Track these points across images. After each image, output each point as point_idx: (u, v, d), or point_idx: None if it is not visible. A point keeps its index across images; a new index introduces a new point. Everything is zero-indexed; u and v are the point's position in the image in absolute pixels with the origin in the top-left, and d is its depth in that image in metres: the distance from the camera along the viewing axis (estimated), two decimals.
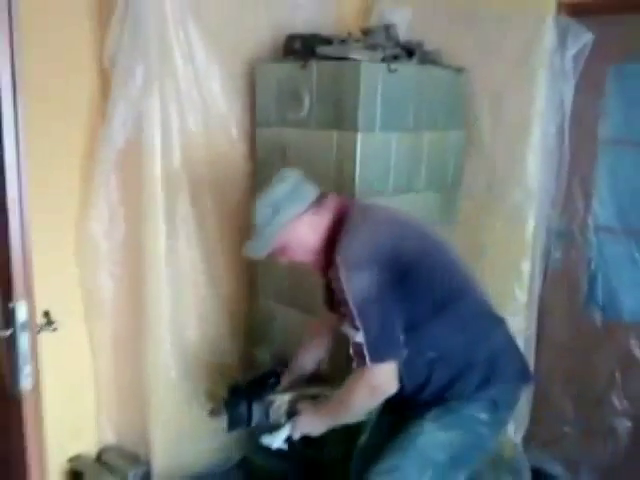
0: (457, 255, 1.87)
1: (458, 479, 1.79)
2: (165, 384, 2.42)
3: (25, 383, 1.38)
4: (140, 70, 2.17)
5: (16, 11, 1.25)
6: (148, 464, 2.47)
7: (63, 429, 2.38)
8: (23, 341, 1.36)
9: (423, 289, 1.70)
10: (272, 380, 2.08)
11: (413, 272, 1.67)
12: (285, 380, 2.07)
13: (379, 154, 2.21)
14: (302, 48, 2.31)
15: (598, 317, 2.58)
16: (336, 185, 2.20)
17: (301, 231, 1.74)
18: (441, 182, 2.54)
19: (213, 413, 2.21)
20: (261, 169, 2.48)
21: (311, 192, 1.77)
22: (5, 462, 1.57)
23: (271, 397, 2.00)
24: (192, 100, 2.31)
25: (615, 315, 2.54)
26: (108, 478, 2.38)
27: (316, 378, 2.09)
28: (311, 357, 2.09)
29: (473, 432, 1.73)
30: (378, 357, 1.61)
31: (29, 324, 1.36)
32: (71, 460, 2.46)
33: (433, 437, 1.71)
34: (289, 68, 2.29)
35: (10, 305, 1.35)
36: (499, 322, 1.84)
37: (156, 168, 2.24)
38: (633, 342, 2.48)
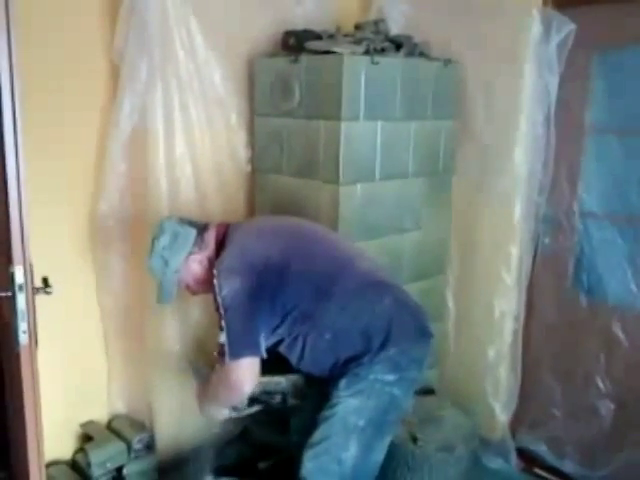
0: (334, 238, 2.08)
1: (383, 440, 1.93)
2: (169, 357, 2.60)
3: (22, 339, 1.56)
4: (144, 64, 2.34)
5: (13, 10, 1.42)
6: (152, 432, 2.65)
7: (76, 397, 2.59)
8: (20, 301, 1.54)
9: (302, 284, 1.87)
10: None
11: (286, 272, 1.85)
12: None
13: (364, 142, 2.34)
14: (296, 43, 2.46)
15: (584, 300, 2.65)
16: (325, 172, 2.35)
17: (192, 270, 2.00)
18: (431, 169, 2.65)
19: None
20: (260, 155, 2.65)
21: (190, 234, 1.98)
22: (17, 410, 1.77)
23: None
24: (194, 92, 2.47)
25: (600, 298, 2.62)
26: (115, 442, 2.56)
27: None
28: None
29: (383, 394, 1.86)
30: (235, 355, 1.82)
31: (25, 286, 1.54)
32: (83, 425, 2.65)
33: (348, 405, 1.85)
34: (283, 62, 2.44)
35: (10, 269, 1.54)
36: (386, 288, 1.96)
37: (160, 155, 2.42)
38: (616, 324, 2.55)
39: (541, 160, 2.60)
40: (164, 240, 1.97)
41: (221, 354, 1.89)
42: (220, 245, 1.97)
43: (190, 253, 1.97)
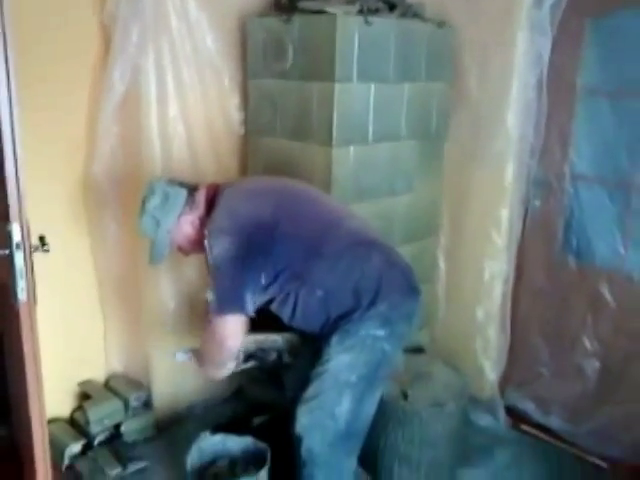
0: (322, 197, 2.10)
1: (375, 394, 1.98)
2: (164, 317, 2.64)
3: (21, 296, 1.59)
4: (136, 27, 2.32)
5: None
6: (149, 390, 2.72)
7: (74, 356, 2.64)
8: (18, 259, 1.57)
9: (292, 243, 1.90)
10: None
11: (276, 232, 1.88)
12: None
13: (357, 104, 2.34)
14: (289, 3, 2.44)
15: (572, 262, 2.70)
16: (318, 134, 2.36)
17: (184, 230, 2.01)
18: (424, 131, 2.67)
19: None
20: (253, 118, 2.65)
21: (180, 194, 1.99)
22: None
23: None
24: (186, 54, 2.47)
25: (589, 261, 2.67)
26: (112, 400, 2.62)
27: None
28: None
29: (374, 349, 1.91)
30: (220, 311, 1.87)
31: (23, 244, 1.57)
32: (81, 384, 2.71)
33: (340, 361, 1.89)
34: (275, 22, 2.43)
35: (7, 227, 1.57)
36: (375, 246, 1.98)
37: (152, 117, 2.43)
38: (603, 286, 2.60)
39: (533, 123, 2.62)
40: (155, 201, 1.98)
41: (208, 312, 1.95)
42: (210, 205, 1.98)
43: (181, 214, 1.98)
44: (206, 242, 1.87)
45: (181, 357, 2.17)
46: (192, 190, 2.02)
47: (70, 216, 2.50)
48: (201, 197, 2.01)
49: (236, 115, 2.69)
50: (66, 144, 2.42)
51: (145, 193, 2.02)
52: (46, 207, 2.23)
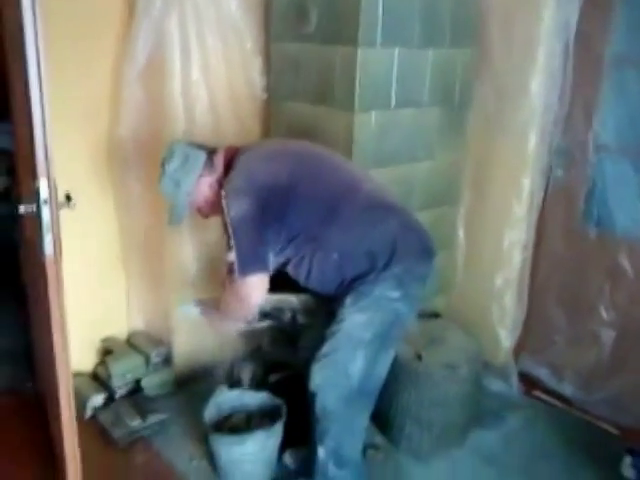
0: (340, 161, 2.10)
1: (388, 353, 2.02)
2: (185, 278, 2.70)
3: (48, 250, 1.65)
4: None
5: None
6: (170, 347, 2.80)
7: (96, 313, 2.72)
8: (45, 214, 1.62)
9: (308, 206, 1.93)
10: None
11: (293, 194, 1.90)
12: None
13: (380, 69, 2.34)
14: None
15: (592, 232, 2.71)
16: (340, 99, 2.36)
17: (203, 192, 2.03)
18: (447, 98, 2.65)
19: None
20: (275, 82, 2.67)
21: (200, 157, 2.01)
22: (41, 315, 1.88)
23: None
24: (209, 17, 2.48)
25: (609, 230, 2.67)
26: (134, 356, 2.71)
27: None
28: None
29: (388, 309, 1.94)
30: (244, 271, 1.90)
31: (50, 199, 1.62)
32: (103, 340, 2.80)
33: (354, 320, 1.93)
34: None
35: (35, 183, 1.62)
36: (391, 210, 2.00)
37: (176, 80, 2.46)
38: (623, 255, 2.61)
39: (557, 93, 2.60)
40: (175, 163, 2.00)
41: (230, 272, 1.99)
42: (229, 168, 2.00)
43: (200, 176, 2.00)
44: (223, 202, 1.90)
45: (189, 310, 2.22)
46: (211, 153, 2.04)
47: (94, 176, 2.56)
48: (220, 159, 2.04)
49: (258, 79, 2.71)
50: (91, 105, 2.47)
51: (165, 155, 2.04)
52: (71, 167, 2.27)
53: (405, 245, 1.95)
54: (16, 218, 3.48)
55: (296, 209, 1.91)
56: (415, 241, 2.00)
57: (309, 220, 1.93)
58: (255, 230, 1.89)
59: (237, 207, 1.89)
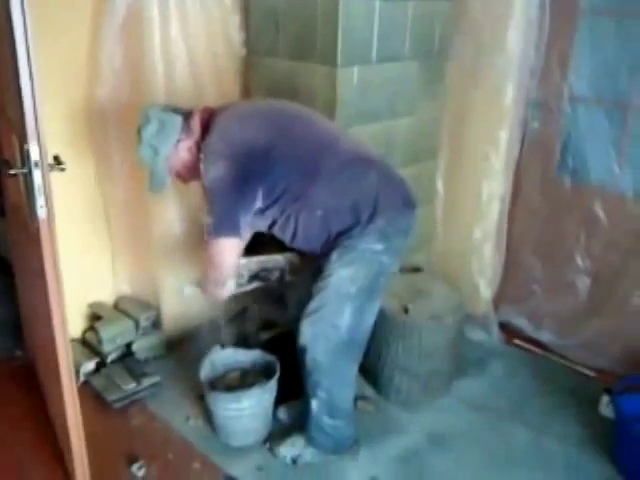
0: (316, 118, 2.10)
1: (374, 304, 2.07)
2: (170, 241, 2.69)
3: (40, 213, 1.63)
4: None
5: None
6: (158, 311, 2.80)
7: (83, 278, 2.69)
8: (37, 177, 1.60)
9: (288, 165, 1.93)
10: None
11: (272, 154, 1.91)
12: None
13: (362, 22, 2.32)
14: None
15: (568, 182, 2.78)
16: (322, 54, 2.35)
17: (181, 156, 2.02)
18: (427, 51, 2.66)
19: None
20: (255, 38, 2.64)
21: (176, 121, 1.98)
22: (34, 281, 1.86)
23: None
24: None
25: (583, 180, 2.73)
26: (123, 320, 2.70)
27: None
28: None
29: (373, 262, 1.98)
30: (216, 233, 1.92)
31: (41, 162, 1.59)
32: (91, 306, 2.79)
33: (341, 274, 1.97)
34: None
35: (25, 147, 1.59)
36: (371, 163, 2.02)
37: (155, 38, 2.41)
38: (597, 204, 2.68)
39: (534, 43, 2.63)
40: (151, 128, 1.97)
41: (206, 234, 1.99)
42: (205, 130, 1.98)
43: (178, 140, 1.98)
44: (202, 166, 1.90)
45: (188, 290, 2.24)
46: (187, 116, 2.01)
47: (75, 139, 2.51)
48: (196, 122, 2.01)
49: (237, 35, 2.67)
50: (69, 66, 2.39)
51: (141, 122, 2.00)
52: (52, 129, 2.22)
53: (387, 197, 1.97)
54: None
55: (277, 168, 1.91)
56: (396, 193, 2.03)
57: (291, 179, 1.94)
58: (231, 194, 1.90)
59: (214, 170, 1.89)
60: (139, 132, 2.00)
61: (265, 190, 1.93)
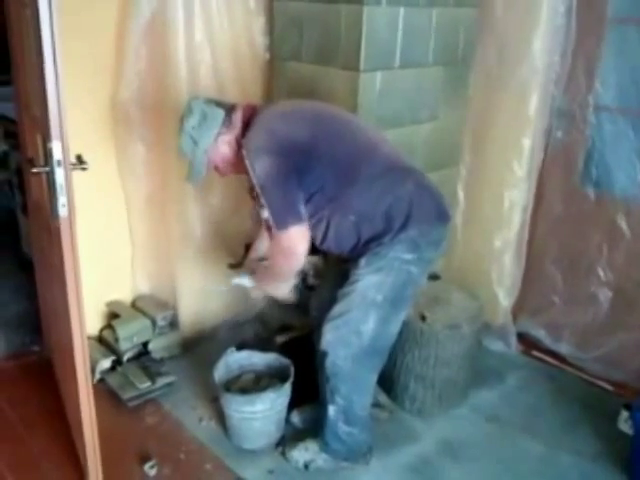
0: (359, 123, 2.09)
1: (399, 314, 2.05)
2: (190, 242, 2.71)
3: (62, 211, 1.65)
4: None
5: None
6: (175, 310, 2.81)
7: (101, 276, 2.71)
8: (59, 175, 1.62)
9: (327, 166, 1.93)
10: None
11: (313, 153, 1.91)
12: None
13: (386, 28, 2.32)
14: None
15: (591, 193, 2.73)
16: (345, 59, 2.35)
17: (221, 150, 2.02)
18: (451, 57, 2.65)
19: (231, 266, 2.50)
20: (278, 42, 2.64)
21: (218, 114, 1.99)
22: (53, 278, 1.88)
23: None
24: None
25: (607, 191, 2.70)
26: (140, 319, 2.72)
27: None
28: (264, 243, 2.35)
29: (401, 271, 1.96)
30: (282, 224, 1.90)
31: (63, 161, 1.61)
32: (108, 304, 2.81)
33: (368, 281, 1.96)
34: None
35: (48, 145, 1.61)
36: (409, 172, 2.01)
37: (179, 41, 2.43)
38: (621, 216, 2.64)
39: (559, 52, 2.60)
40: (193, 120, 1.98)
41: (269, 229, 2.01)
42: (247, 126, 1.99)
43: (219, 134, 1.99)
44: (247, 162, 1.90)
45: (238, 281, 2.25)
46: (229, 110, 2.02)
47: (98, 138, 2.53)
48: (238, 117, 2.02)
49: (261, 39, 2.68)
50: (94, 68, 2.42)
51: (183, 112, 2.01)
52: (76, 130, 2.24)
53: (421, 208, 1.96)
54: (12, 185, 3.48)
55: (315, 168, 1.91)
56: (431, 204, 2.01)
57: (328, 180, 1.93)
58: (284, 183, 1.89)
59: (261, 165, 1.88)
60: (181, 123, 2.00)
61: (302, 187, 1.92)
